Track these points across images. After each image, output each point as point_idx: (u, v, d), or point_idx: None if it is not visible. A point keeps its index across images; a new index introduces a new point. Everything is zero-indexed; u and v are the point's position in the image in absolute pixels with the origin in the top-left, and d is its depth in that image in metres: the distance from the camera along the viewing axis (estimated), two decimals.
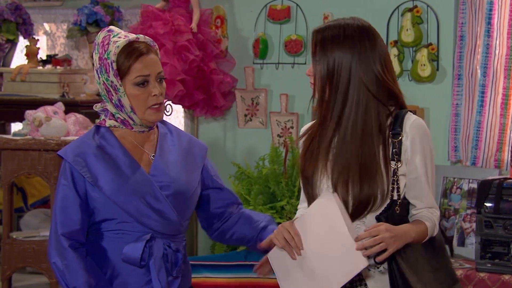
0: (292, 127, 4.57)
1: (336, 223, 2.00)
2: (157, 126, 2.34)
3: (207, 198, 2.38)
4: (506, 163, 3.78)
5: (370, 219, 2.10)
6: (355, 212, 2.09)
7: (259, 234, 2.33)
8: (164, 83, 2.27)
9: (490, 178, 3.57)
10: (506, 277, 3.36)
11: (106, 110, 2.27)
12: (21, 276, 4.77)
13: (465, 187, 3.86)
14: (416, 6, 4.09)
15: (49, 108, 4.36)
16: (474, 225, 3.67)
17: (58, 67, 5.13)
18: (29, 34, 5.32)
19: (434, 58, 4.05)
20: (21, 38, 5.41)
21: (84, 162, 2.22)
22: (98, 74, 2.24)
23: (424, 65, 4.03)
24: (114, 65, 2.19)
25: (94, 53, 2.25)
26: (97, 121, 2.31)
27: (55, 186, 4.14)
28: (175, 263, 2.23)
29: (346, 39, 2.10)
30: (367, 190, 2.06)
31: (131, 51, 2.19)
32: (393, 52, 4.12)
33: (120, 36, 2.22)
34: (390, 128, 2.10)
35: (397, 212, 2.08)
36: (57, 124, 4.26)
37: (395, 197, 2.08)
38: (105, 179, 2.20)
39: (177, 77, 4.46)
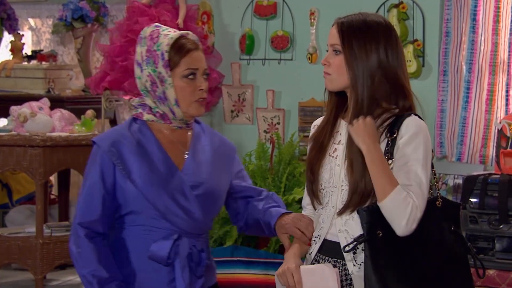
0: (278, 123, 4.57)
1: None
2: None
3: (231, 193, 2.36)
4: (491, 159, 3.81)
5: (353, 214, 2.09)
6: (347, 204, 2.10)
7: (264, 217, 2.31)
8: (207, 81, 2.30)
9: (475, 173, 3.59)
10: (491, 272, 3.38)
11: (144, 105, 2.28)
12: (6, 272, 4.75)
13: (451, 182, 3.88)
14: (402, 2, 4.11)
15: (34, 103, 4.34)
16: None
17: (43, 62, 5.10)
18: (13, 30, 5.28)
19: (420, 54, 4.06)
20: (5, 34, 5.37)
21: (119, 152, 2.21)
22: (142, 67, 2.25)
23: (410, 61, 4.04)
24: (166, 55, 2.21)
25: (139, 47, 2.26)
26: (134, 113, 2.30)
27: (41, 183, 4.16)
28: (199, 263, 2.23)
29: (371, 37, 2.10)
30: (358, 184, 2.06)
31: (182, 45, 2.23)
32: None
33: (170, 31, 2.27)
34: (388, 127, 2.09)
35: None
36: (42, 120, 4.24)
37: None
38: (138, 172, 2.20)
39: None
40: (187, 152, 2.27)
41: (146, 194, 2.18)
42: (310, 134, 2.23)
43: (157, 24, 2.31)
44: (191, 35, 2.27)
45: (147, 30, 2.28)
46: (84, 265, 2.20)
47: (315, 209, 2.20)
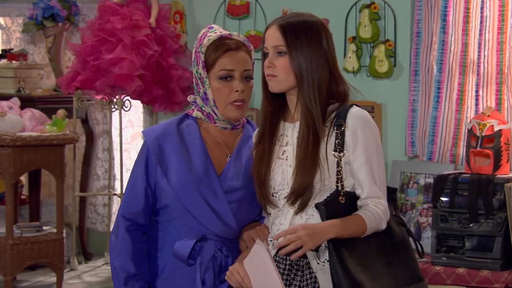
0: None
1: (269, 269, 2.08)
2: (243, 127, 2.32)
3: None
4: (461, 158, 3.84)
5: (312, 211, 2.13)
6: (295, 202, 2.12)
7: None
8: (251, 83, 2.27)
9: (445, 173, 3.63)
10: (461, 270, 3.42)
11: (195, 102, 2.29)
12: None
13: (422, 182, 3.91)
14: (373, 3, 4.13)
15: (4, 103, 4.29)
16: (430, 219, 3.72)
17: (13, 61, 5.05)
18: None
19: (391, 54, 4.09)
20: None
21: (160, 148, 2.22)
22: (193, 68, 2.27)
23: (382, 61, 4.07)
24: (202, 57, 2.22)
25: (194, 48, 2.29)
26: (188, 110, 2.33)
27: (11, 183, 4.11)
28: (224, 267, 2.22)
29: (315, 35, 2.13)
30: (304, 179, 2.09)
31: (219, 45, 2.21)
32: (351, 48, 4.15)
33: (216, 32, 2.25)
34: (333, 120, 2.14)
35: (342, 202, 2.11)
36: (12, 120, 4.20)
37: (340, 188, 2.11)
38: (175, 170, 2.20)
39: (135, 72, 4.42)
40: (230, 155, 2.25)
41: (178, 193, 2.19)
42: (253, 144, 2.24)
43: (211, 25, 2.30)
44: (237, 36, 2.25)
45: (201, 32, 2.29)
46: (117, 257, 2.21)
47: (269, 214, 2.21)
